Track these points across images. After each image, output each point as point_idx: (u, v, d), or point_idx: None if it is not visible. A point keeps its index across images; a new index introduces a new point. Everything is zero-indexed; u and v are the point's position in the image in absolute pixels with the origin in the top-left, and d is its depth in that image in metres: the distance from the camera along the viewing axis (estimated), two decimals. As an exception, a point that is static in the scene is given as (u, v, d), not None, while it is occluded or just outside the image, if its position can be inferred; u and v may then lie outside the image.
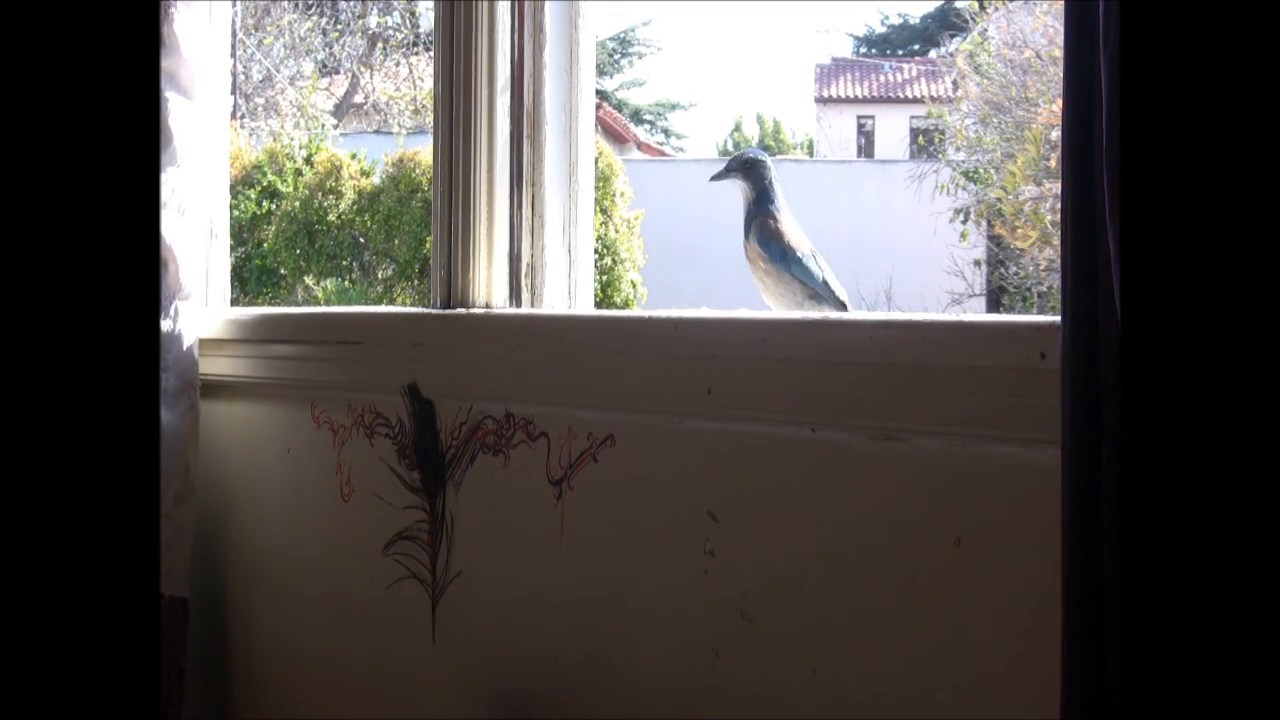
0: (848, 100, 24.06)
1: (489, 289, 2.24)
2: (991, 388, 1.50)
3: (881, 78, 24.25)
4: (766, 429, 1.72)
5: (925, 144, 13.54)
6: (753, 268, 2.16)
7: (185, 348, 2.55)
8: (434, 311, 2.25)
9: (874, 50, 28.90)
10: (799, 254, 2.14)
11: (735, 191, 2.21)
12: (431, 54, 2.35)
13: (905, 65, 24.89)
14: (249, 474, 2.59)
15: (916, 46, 27.99)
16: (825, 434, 1.66)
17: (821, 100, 24.10)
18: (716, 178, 2.24)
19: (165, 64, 2.54)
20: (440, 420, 2.16)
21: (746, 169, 2.19)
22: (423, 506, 2.18)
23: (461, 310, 2.22)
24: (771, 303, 2.16)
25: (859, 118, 23.91)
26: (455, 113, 2.25)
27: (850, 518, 1.64)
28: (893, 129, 22.81)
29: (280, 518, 2.52)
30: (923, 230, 12.32)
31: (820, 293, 2.13)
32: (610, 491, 1.91)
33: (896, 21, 30.05)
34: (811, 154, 24.22)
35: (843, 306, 2.13)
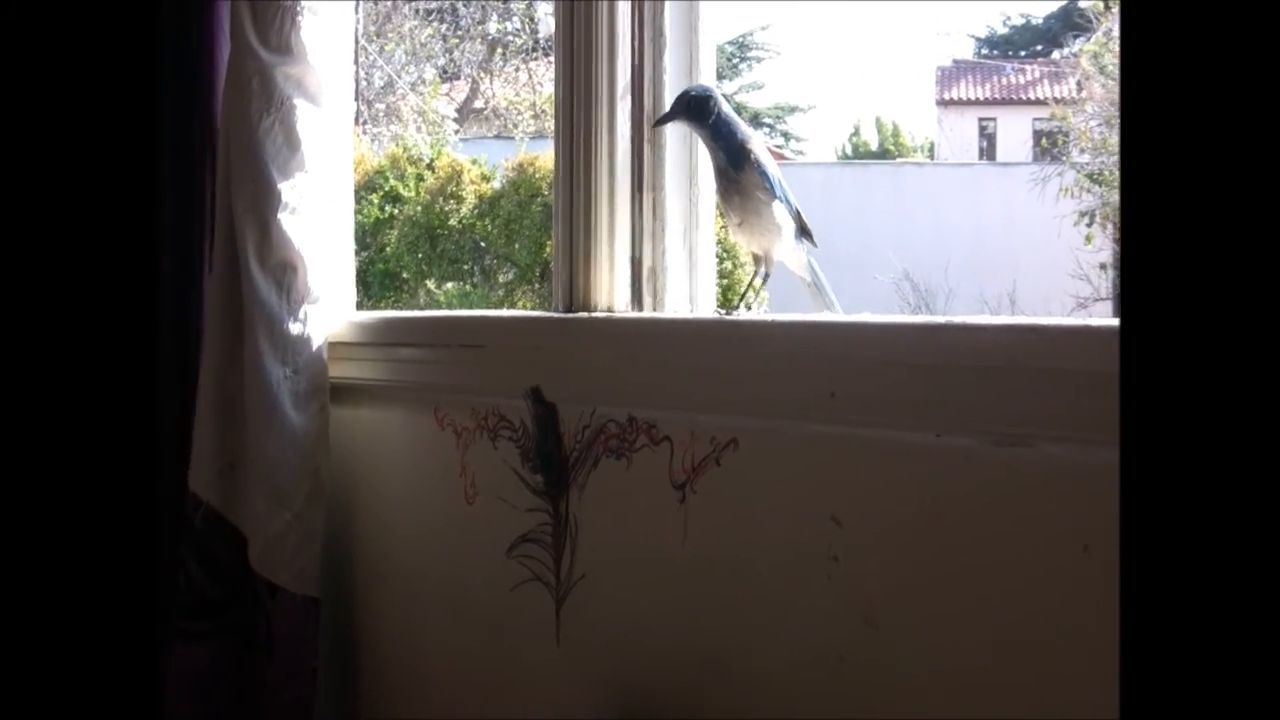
0: (969, 102, 23.85)
1: (610, 293, 2.25)
2: (1118, 393, 1.48)
3: (1003, 79, 24.01)
4: (890, 434, 1.71)
5: (1048, 146, 13.40)
6: (746, 201, 2.10)
7: (314, 351, 2.58)
8: (556, 315, 2.26)
9: (996, 51, 28.63)
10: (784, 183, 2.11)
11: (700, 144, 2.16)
12: (551, 59, 2.37)
13: (1028, 66, 24.62)
14: (374, 476, 2.62)
15: (1039, 47, 27.68)
16: (950, 439, 1.64)
17: (942, 102, 23.91)
18: (660, 122, 2.19)
19: (292, 71, 2.57)
20: (563, 424, 2.17)
21: (691, 110, 2.11)
22: (546, 509, 2.19)
23: (583, 314, 2.24)
24: (760, 241, 2.11)
25: (980, 120, 23.70)
26: (576, 117, 2.26)
27: (975, 524, 1.62)
28: (1015, 131, 22.57)
29: (405, 520, 2.54)
30: (1046, 233, 12.19)
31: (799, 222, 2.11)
32: (733, 495, 1.91)
33: (1019, 22, 29.75)
34: (932, 157, 24.02)
35: (810, 237, 2.12)
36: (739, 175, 2.09)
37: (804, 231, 2.14)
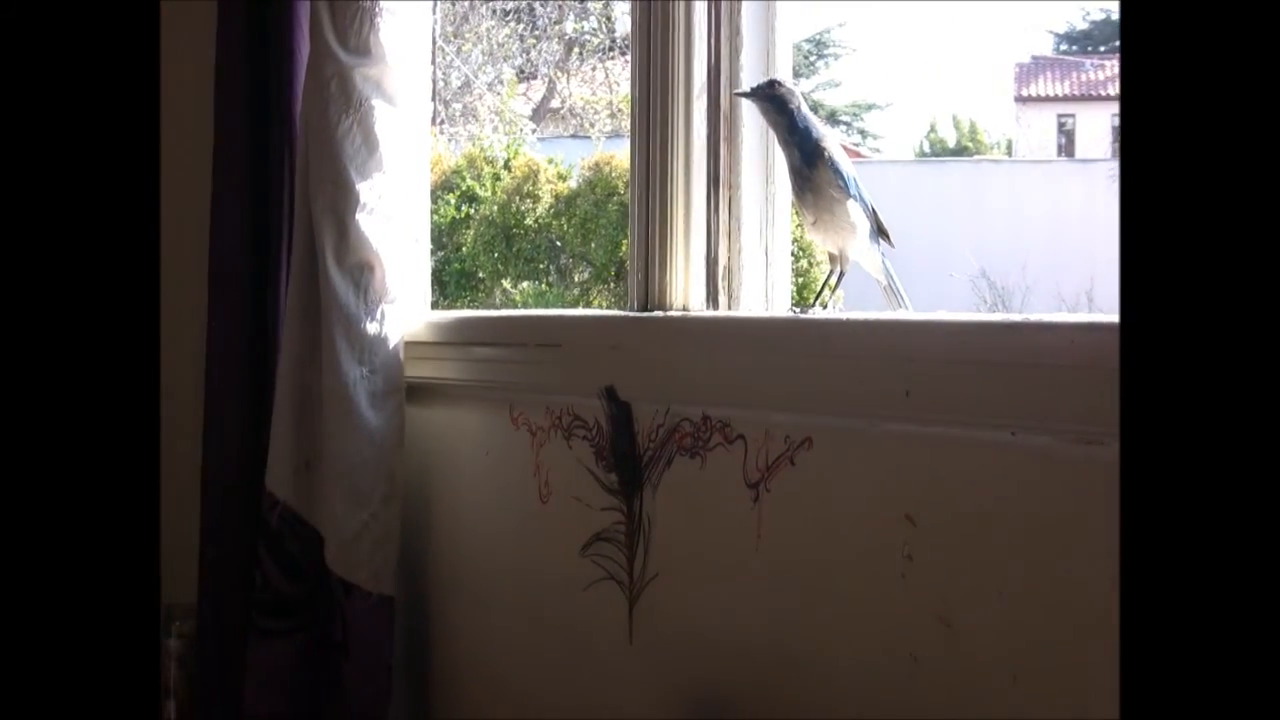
0: (1048, 99, 23.67)
1: (686, 291, 2.25)
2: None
3: (1083, 75, 23.81)
4: (965, 432, 1.70)
5: (1126, 142, 13.26)
6: (820, 199, 2.09)
7: (391, 350, 2.60)
8: (631, 314, 2.27)
9: (1075, 47, 28.39)
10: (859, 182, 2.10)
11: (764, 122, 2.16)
12: (627, 58, 2.37)
13: (1107, 62, 24.40)
14: (449, 475, 2.63)
15: (1119, 43, 27.41)
16: (1025, 438, 1.63)
17: (1021, 99, 23.74)
18: (742, 94, 2.20)
19: (370, 72, 2.59)
20: (637, 422, 2.17)
21: (774, 100, 2.11)
22: (620, 508, 2.19)
23: (659, 313, 2.24)
24: (835, 239, 2.11)
25: (1059, 116, 23.51)
26: (652, 116, 2.26)
27: (1051, 523, 1.61)
28: (1094, 127, 22.38)
29: (479, 519, 2.55)
30: (1125, 230, 12.07)
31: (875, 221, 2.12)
32: (807, 494, 1.90)
33: (1099, 17, 29.48)
34: (1010, 154, 23.85)
35: (887, 237, 2.12)
36: (813, 174, 2.08)
37: (880, 232, 2.13)
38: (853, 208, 2.08)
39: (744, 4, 2.23)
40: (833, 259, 2.14)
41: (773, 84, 2.12)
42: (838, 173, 2.08)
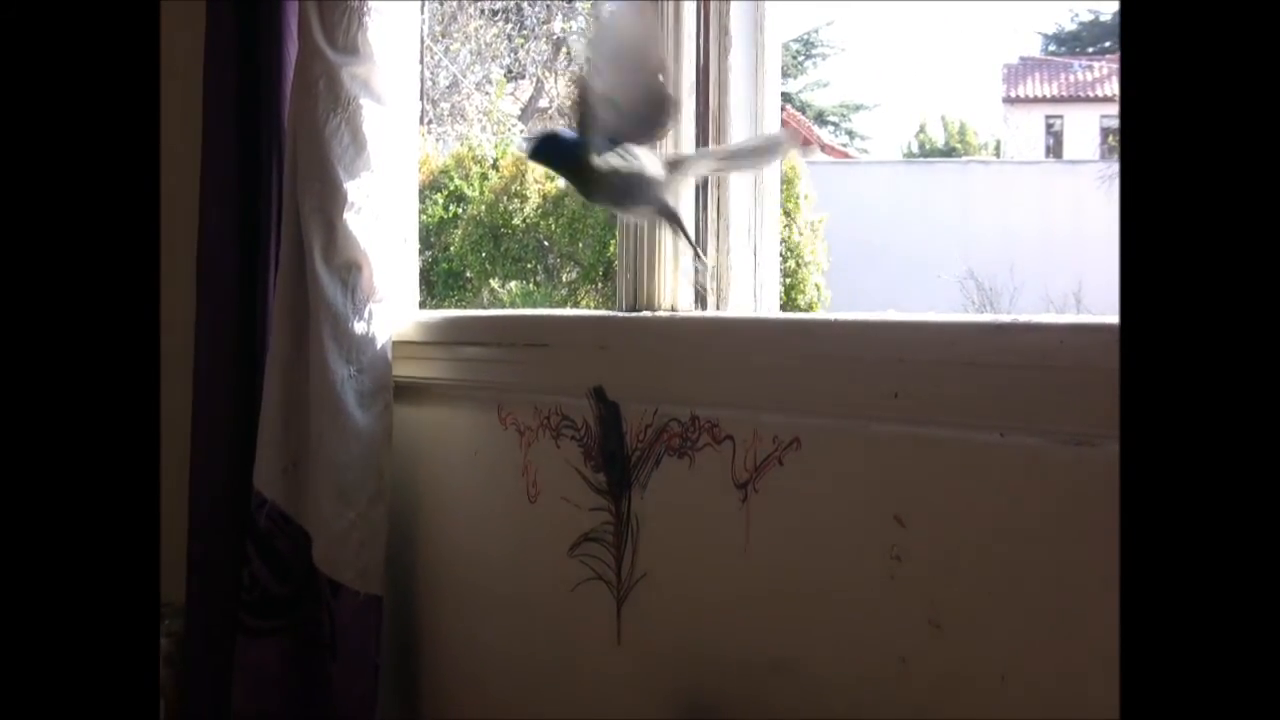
0: (1036, 100, 23.72)
1: (675, 292, 2.25)
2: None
3: (1071, 77, 23.87)
4: (954, 433, 1.70)
5: (1116, 144, 13.30)
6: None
7: (379, 350, 2.59)
8: (620, 314, 2.26)
9: (1063, 48, 28.45)
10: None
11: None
12: (619, 58, 2.36)
13: (1096, 63, 24.45)
14: (438, 475, 2.62)
15: (1107, 44, 27.48)
16: (1015, 438, 1.63)
17: (1009, 100, 23.79)
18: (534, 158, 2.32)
19: (359, 71, 2.58)
20: (626, 423, 2.17)
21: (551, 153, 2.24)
22: (609, 508, 2.19)
23: (647, 313, 2.24)
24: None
25: (1048, 118, 23.56)
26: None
27: (1041, 523, 1.61)
28: (1083, 129, 22.43)
29: (468, 518, 2.55)
30: (1113, 232, 12.10)
31: None
32: (796, 495, 1.90)
33: (1087, 19, 29.57)
34: (999, 155, 23.89)
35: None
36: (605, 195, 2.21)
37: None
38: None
39: (732, 4, 2.23)
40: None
41: (554, 136, 2.21)
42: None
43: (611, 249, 7.77)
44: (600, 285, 8.20)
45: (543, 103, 14.46)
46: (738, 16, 2.23)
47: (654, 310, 2.24)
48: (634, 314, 2.24)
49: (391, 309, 2.64)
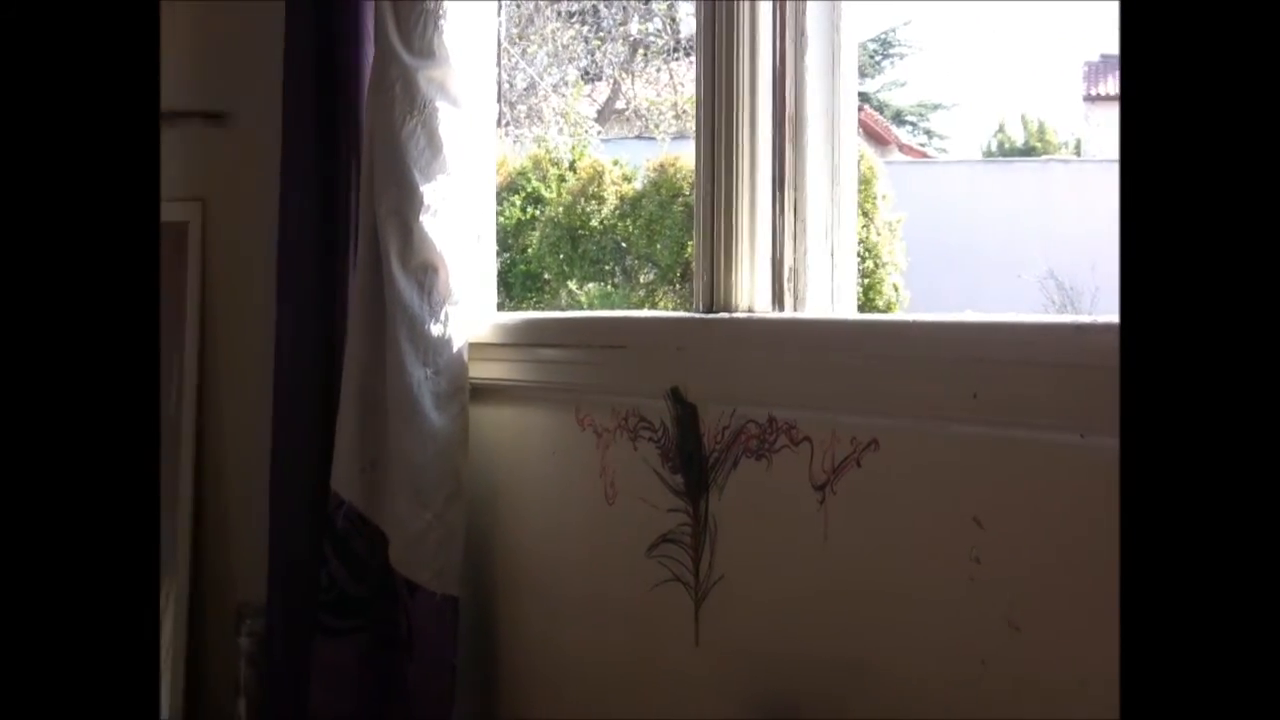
0: (1117, 98, 23.50)
1: (752, 293, 2.25)
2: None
3: (1152, 74, 23.57)
4: (1033, 434, 1.69)
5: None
6: None
7: (455, 352, 2.60)
8: (697, 316, 2.26)
9: (1144, 46, 28.10)
10: None
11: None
12: (692, 59, 2.36)
13: (1177, 61, 24.14)
14: (516, 476, 2.63)
15: (1119, 44, 27.13)
16: (1095, 439, 1.61)
17: (1090, 98, 23.56)
18: None
19: (434, 74, 2.60)
20: (703, 424, 2.17)
21: None
22: (686, 510, 2.19)
23: (724, 314, 2.23)
24: None
25: (1129, 115, 23.28)
26: (717, 117, 2.25)
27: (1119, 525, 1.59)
28: (1164, 126, 22.15)
29: (546, 519, 2.55)
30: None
31: None
32: (874, 496, 1.89)
33: (1168, 15, 29.20)
34: (1079, 153, 23.67)
35: None
36: None
37: None
38: None
39: (809, 4, 2.21)
40: None
41: None
42: None
43: (688, 250, 7.77)
44: (678, 286, 8.19)
45: (620, 104, 14.48)
46: (814, 17, 2.22)
47: (731, 311, 2.24)
48: (711, 315, 2.24)
49: (468, 311, 2.65)
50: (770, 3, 2.23)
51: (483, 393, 2.64)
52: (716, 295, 2.26)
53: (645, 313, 2.62)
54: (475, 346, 2.64)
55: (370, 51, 2.71)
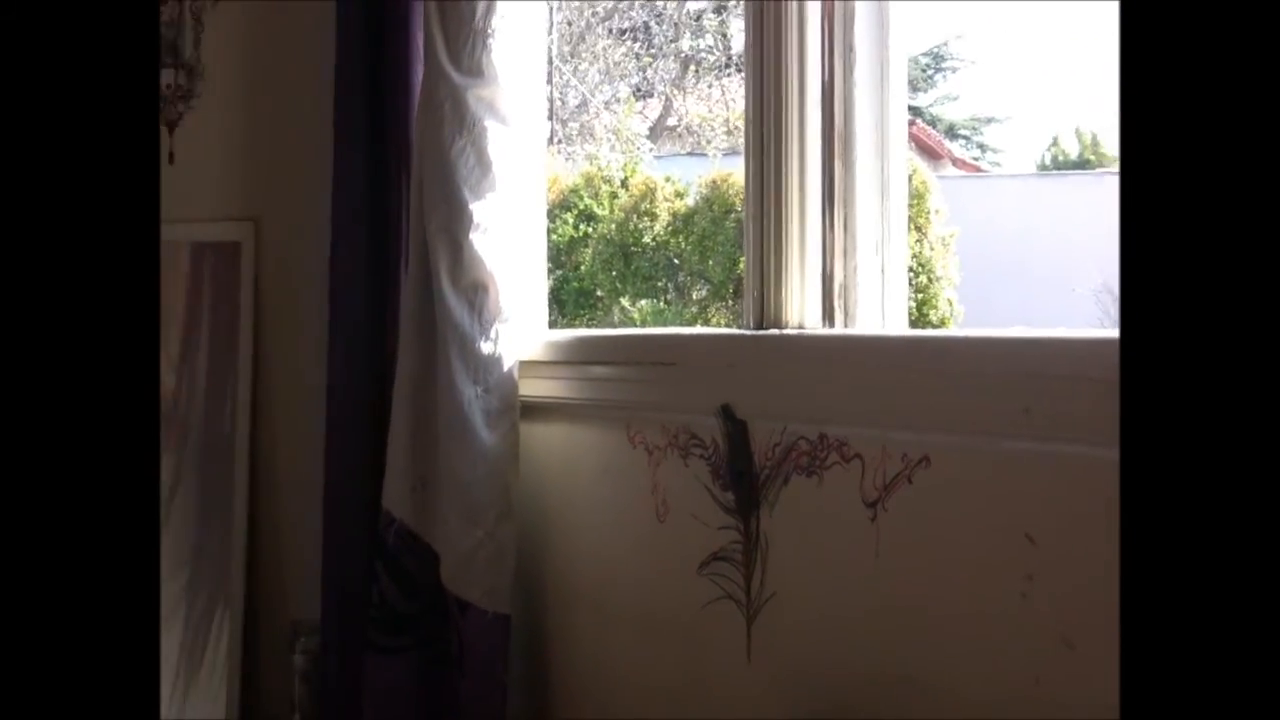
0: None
1: (802, 309, 2.24)
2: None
3: (1207, 86, 23.43)
4: (1086, 450, 1.67)
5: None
6: None
7: (506, 370, 2.61)
8: (747, 333, 2.26)
9: (1199, 57, 27.92)
10: None
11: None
12: (743, 75, 2.36)
13: (1233, 72, 23.99)
14: (567, 494, 2.63)
15: (1119, 45, 26.90)
16: (1149, 455, 1.60)
17: (1144, 111, 23.41)
18: None
19: (484, 93, 2.61)
20: (754, 441, 2.16)
21: None
22: (737, 527, 2.18)
23: (775, 331, 2.22)
24: None
25: (1183, 127, 23.15)
26: (766, 133, 2.25)
27: (1177, 542, 1.58)
28: (1219, 138, 22.00)
29: (597, 537, 2.55)
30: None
31: None
32: (925, 513, 1.88)
33: (1223, 27, 29.01)
34: (1133, 166, 23.50)
35: None
36: None
37: None
38: None
39: (858, 18, 2.21)
40: None
41: None
42: None
43: (741, 266, 7.78)
44: (730, 303, 8.18)
45: (671, 121, 14.50)
46: (862, 31, 2.21)
47: (781, 328, 2.23)
48: (761, 332, 2.23)
49: (519, 329, 2.65)
50: (819, 18, 2.23)
51: (534, 410, 2.65)
52: (767, 312, 2.25)
53: (696, 330, 2.62)
54: (526, 364, 2.65)
55: (420, 71, 2.72)
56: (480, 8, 2.60)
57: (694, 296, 8.45)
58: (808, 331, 2.21)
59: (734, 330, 2.39)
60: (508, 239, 2.65)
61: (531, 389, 2.64)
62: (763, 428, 2.15)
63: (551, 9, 8.14)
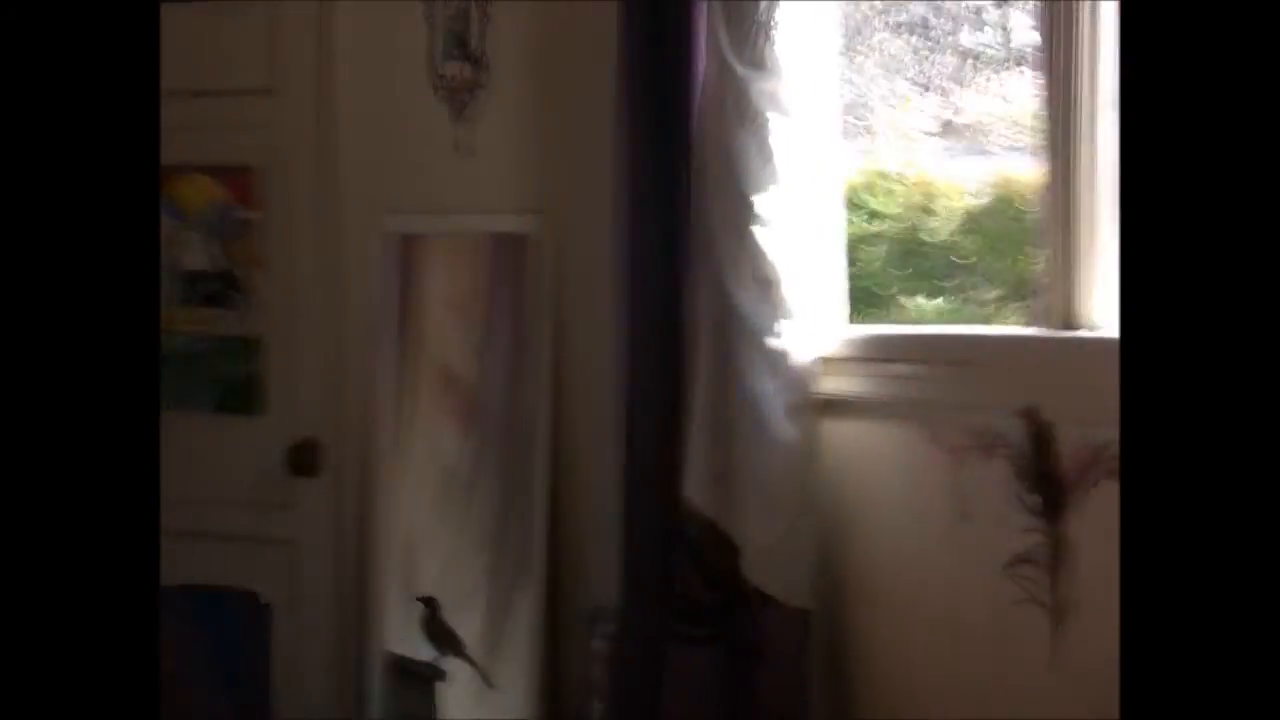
0: None
1: (1105, 311, 2.22)
2: None
3: None
4: None
5: None
6: None
7: (801, 365, 2.61)
8: (1053, 334, 2.24)
9: None
10: None
11: None
12: (1024, 70, 2.35)
13: None
14: (868, 490, 2.63)
15: (1119, 46, 25.53)
16: None
17: None
18: None
19: (766, 86, 2.62)
20: (1060, 443, 2.14)
21: None
22: (1042, 530, 2.17)
23: (1082, 333, 2.20)
24: None
25: None
26: (1056, 130, 2.24)
27: None
28: None
29: (898, 534, 2.54)
30: None
31: None
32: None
33: None
34: None
35: None
36: None
37: None
38: None
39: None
40: None
41: None
42: None
43: (1026, 264, 7.65)
44: (1020, 303, 8.05)
45: (951, 116, 14.30)
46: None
47: (1087, 329, 2.21)
48: (1067, 333, 2.21)
49: (815, 324, 2.65)
50: (1114, 9, 2.20)
51: (834, 407, 2.65)
52: (1071, 312, 2.23)
53: (997, 329, 2.60)
54: (825, 361, 2.65)
55: (702, 63, 2.73)
56: (763, 5, 2.61)
57: (981, 296, 8.34)
58: (1116, 334, 2.18)
59: (1039, 331, 2.37)
60: (793, 233, 2.65)
61: (831, 385, 2.64)
62: (1069, 430, 2.13)
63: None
